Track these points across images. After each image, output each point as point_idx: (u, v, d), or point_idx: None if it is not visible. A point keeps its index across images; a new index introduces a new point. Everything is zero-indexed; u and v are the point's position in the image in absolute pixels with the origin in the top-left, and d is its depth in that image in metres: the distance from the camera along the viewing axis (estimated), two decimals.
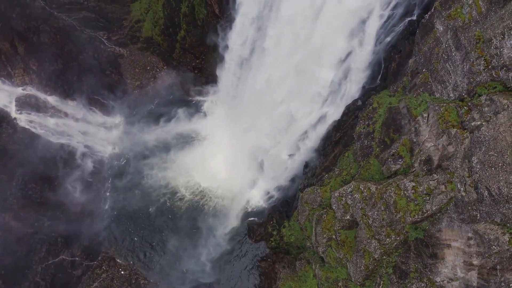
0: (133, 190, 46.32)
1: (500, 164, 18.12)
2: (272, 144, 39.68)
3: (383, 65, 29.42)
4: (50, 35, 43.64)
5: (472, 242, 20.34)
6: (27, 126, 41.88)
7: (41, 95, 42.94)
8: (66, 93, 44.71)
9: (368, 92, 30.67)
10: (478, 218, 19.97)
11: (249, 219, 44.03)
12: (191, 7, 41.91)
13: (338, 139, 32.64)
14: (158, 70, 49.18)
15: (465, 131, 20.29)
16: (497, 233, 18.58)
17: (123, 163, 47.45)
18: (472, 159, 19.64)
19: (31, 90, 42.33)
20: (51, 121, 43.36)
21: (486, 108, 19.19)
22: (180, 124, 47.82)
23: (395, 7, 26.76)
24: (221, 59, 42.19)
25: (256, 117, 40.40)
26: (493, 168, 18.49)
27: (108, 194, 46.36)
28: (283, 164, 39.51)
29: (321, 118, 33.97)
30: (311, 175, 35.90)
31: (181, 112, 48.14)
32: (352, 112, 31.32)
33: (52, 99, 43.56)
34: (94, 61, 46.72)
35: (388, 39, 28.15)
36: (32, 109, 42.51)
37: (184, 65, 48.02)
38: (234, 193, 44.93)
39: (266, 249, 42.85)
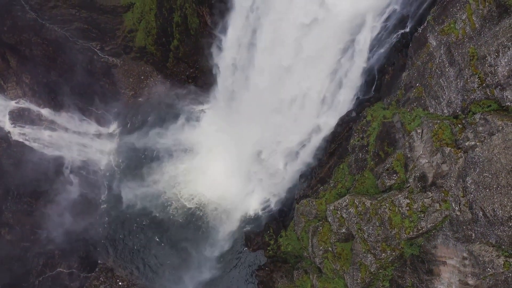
0: (128, 202, 46.09)
1: (495, 186, 17.90)
2: (268, 154, 39.57)
3: (376, 77, 29.14)
4: (42, 47, 43.33)
5: (467, 262, 20.18)
6: (21, 140, 41.61)
7: (35, 108, 42.64)
8: (60, 105, 44.40)
9: (362, 103, 30.39)
10: (473, 238, 19.80)
11: (246, 228, 43.91)
12: (184, 16, 41.59)
13: (333, 150, 32.43)
14: (152, 79, 48.83)
15: (459, 150, 20.05)
16: (492, 255, 18.39)
17: (118, 173, 47.20)
18: (467, 179, 19.43)
19: (24, 103, 42.01)
20: (45, 134, 43.07)
21: (481, 128, 18.93)
22: (175, 134, 47.48)
23: (387, 19, 26.44)
24: (215, 77, 42.56)
25: (252, 127, 40.21)
26: (487, 190, 18.27)
27: (104, 206, 46.19)
28: (279, 173, 39.38)
29: (316, 129, 33.78)
30: (307, 186, 35.73)
31: (175, 121, 47.83)
32: (346, 124, 31.09)
33: (45, 112, 43.26)
34: (87, 72, 46.36)
35: (382, 50, 27.83)
36: (26, 122, 42.23)
37: (178, 74, 47.69)
38: (230, 203, 44.73)
39: (263, 258, 42.74)
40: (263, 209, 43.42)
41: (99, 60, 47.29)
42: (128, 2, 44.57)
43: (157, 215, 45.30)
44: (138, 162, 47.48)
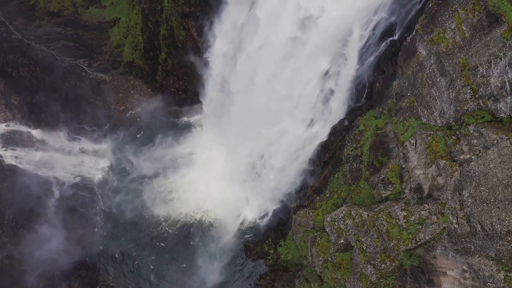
0: (124, 219, 45.70)
1: (492, 200, 17.68)
2: (262, 164, 39.28)
3: (367, 85, 28.84)
4: (29, 67, 42.77)
5: (467, 275, 19.99)
6: (13, 163, 41.10)
7: (25, 130, 42.12)
8: (51, 125, 43.90)
9: (354, 111, 30.10)
10: (472, 250, 19.61)
11: (245, 237, 43.64)
12: (170, 29, 41.10)
13: (327, 160, 32.15)
14: (142, 93, 48.34)
15: (454, 163, 19.81)
16: (492, 269, 18.19)
17: (112, 190, 46.70)
18: (463, 192, 19.20)
19: (14, 126, 41.50)
20: (38, 155, 42.57)
21: (475, 141, 18.66)
22: (168, 147, 47.04)
23: (375, 27, 26.13)
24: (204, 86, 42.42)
25: (246, 136, 39.93)
26: (485, 204, 18.06)
27: (101, 224, 45.79)
28: (274, 183, 39.12)
29: (309, 138, 33.54)
30: (303, 195, 35.51)
31: (167, 134, 47.45)
32: (339, 133, 30.79)
33: (36, 133, 42.75)
34: (76, 89, 45.87)
35: (371, 59, 27.53)
36: (17, 144, 41.68)
37: (167, 87, 47.22)
38: (226, 215, 44.47)
39: (264, 267, 42.53)
40: (261, 218, 43.18)
41: (88, 77, 46.75)
42: (114, 18, 44.05)
43: (152, 231, 44.95)
44: (133, 177, 47.06)
